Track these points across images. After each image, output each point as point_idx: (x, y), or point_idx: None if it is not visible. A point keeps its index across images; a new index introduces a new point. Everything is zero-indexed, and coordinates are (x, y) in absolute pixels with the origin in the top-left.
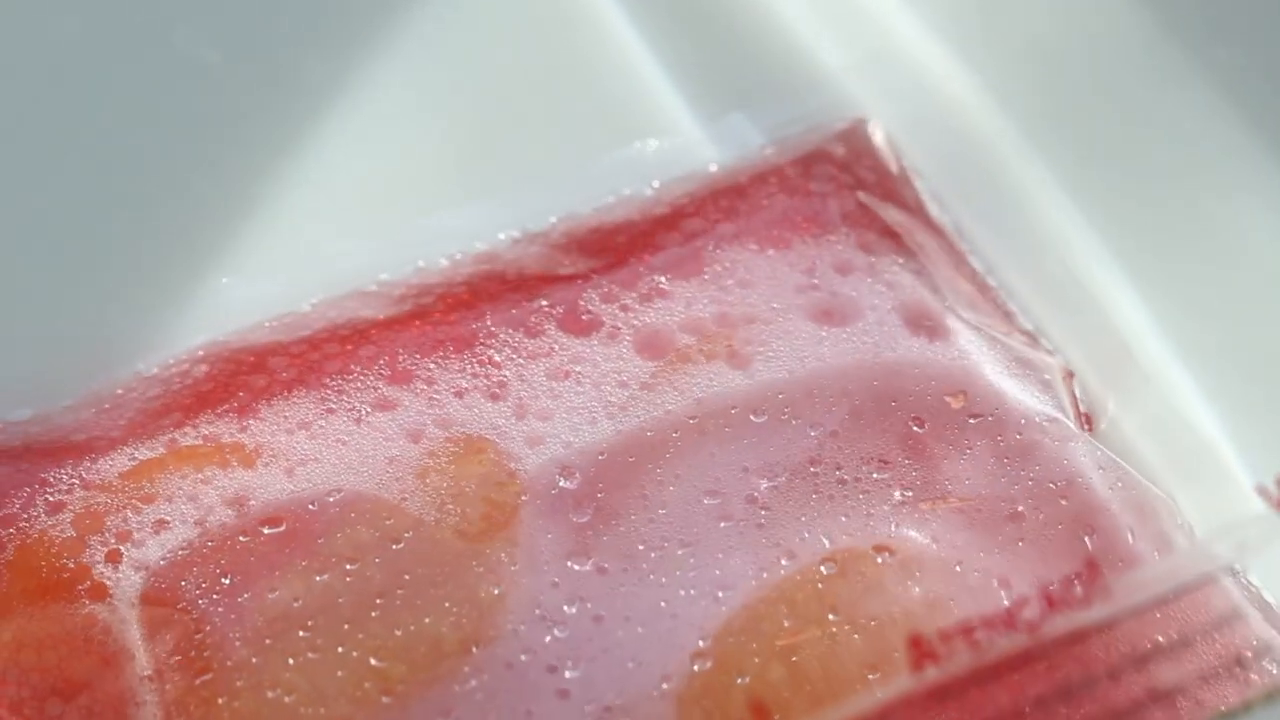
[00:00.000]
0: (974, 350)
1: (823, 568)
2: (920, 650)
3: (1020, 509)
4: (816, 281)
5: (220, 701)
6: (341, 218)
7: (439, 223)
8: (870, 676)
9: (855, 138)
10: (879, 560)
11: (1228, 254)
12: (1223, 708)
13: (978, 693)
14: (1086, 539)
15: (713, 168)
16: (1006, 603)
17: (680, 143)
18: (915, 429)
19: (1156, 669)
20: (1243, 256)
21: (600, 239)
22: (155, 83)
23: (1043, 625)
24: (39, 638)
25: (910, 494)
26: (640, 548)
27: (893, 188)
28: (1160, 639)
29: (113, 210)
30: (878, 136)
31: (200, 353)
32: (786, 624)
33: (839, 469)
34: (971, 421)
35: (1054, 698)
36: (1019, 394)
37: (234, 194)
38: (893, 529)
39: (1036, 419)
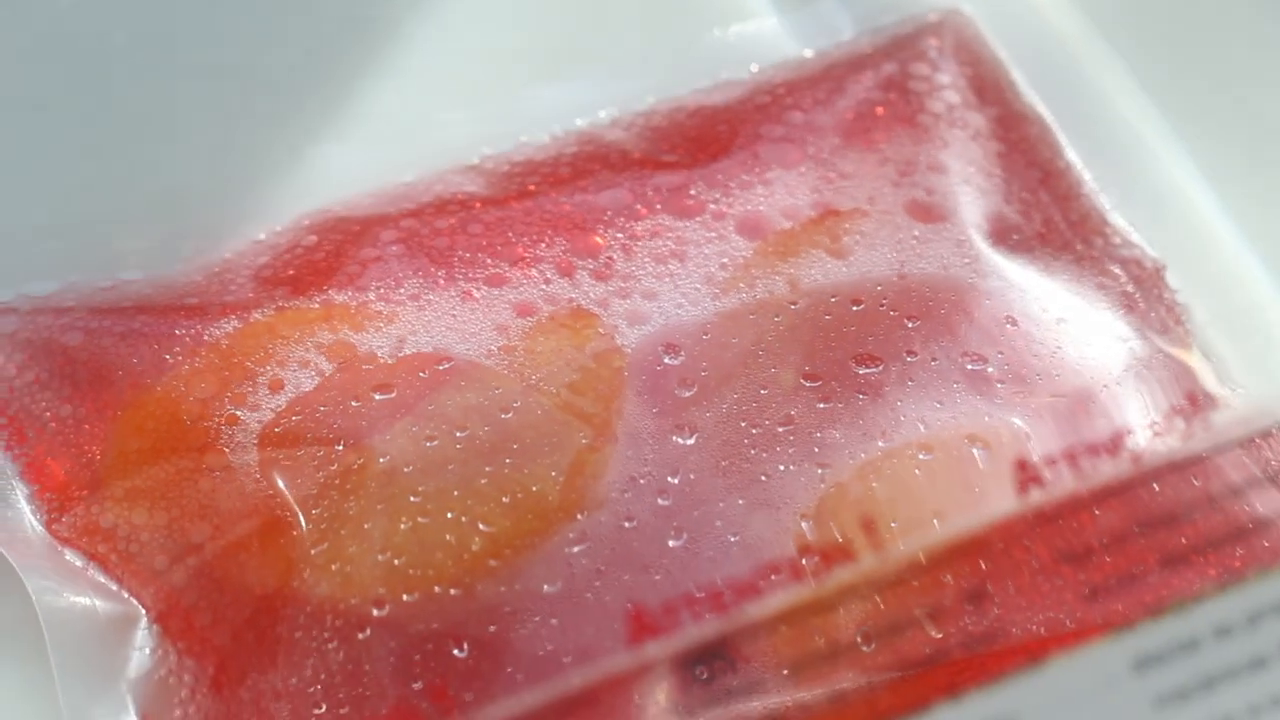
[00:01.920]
0: (1059, 262)
1: (920, 454)
2: (1026, 474)
3: (1104, 404)
4: (915, 179)
5: (334, 567)
6: (443, 90)
7: (538, 98)
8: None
9: (948, 29)
10: (974, 450)
11: None
12: None
13: (1082, 516)
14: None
15: (808, 53)
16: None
17: (773, 27)
18: (1009, 326)
19: (1254, 499)
20: None
21: (700, 124)
22: None
23: (1145, 454)
24: (151, 496)
25: (1003, 386)
26: (742, 424)
27: (989, 79)
28: (1255, 473)
29: (218, 79)
30: (972, 27)
31: (307, 221)
32: (884, 500)
33: (934, 360)
34: (1059, 324)
35: (1157, 522)
36: (1100, 304)
37: (338, 63)
38: (985, 419)
39: (1119, 327)
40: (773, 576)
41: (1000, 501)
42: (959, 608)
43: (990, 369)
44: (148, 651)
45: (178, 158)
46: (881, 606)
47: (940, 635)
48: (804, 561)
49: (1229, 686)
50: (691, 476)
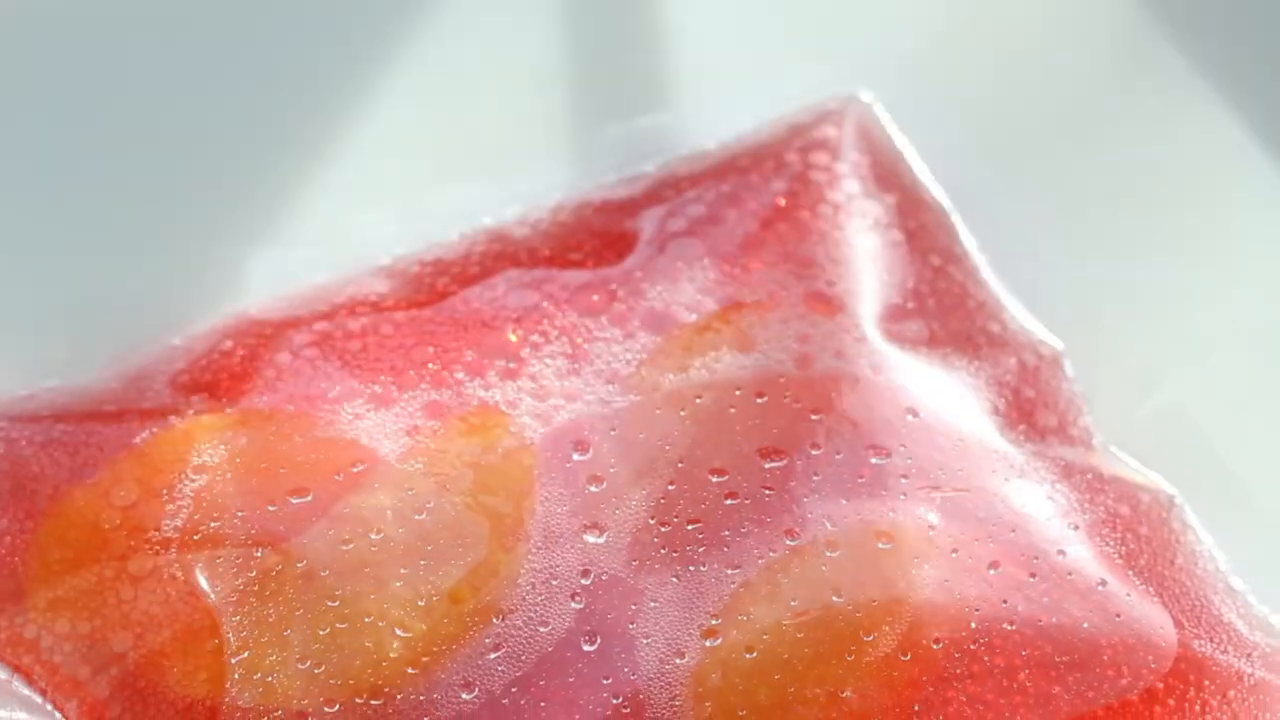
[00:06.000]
0: (958, 352)
1: (827, 551)
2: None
3: (1007, 496)
4: (815, 270)
5: (255, 677)
6: (353, 190)
7: (446, 197)
8: (867, 647)
9: (848, 117)
10: (880, 545)
11: (1222, 248)
12: None
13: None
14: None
15: (710, 145)
16: (997, 584)
17: (675, 120)
18: (910, 418)
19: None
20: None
21: (606, 220)
22: (176, 61)
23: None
24: (75, 606)
25: (906, 481)
26: (651, 521)
27: (888, 166)
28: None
29: (129, 184)
30: (871, 115)
31: (221, 325)
32: (793, 604)
33: (839, 454)
34: (960, 416)
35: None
36: (999, 394)
37: (248, 166)
38: (891, 514)
39: (1019, 417)
40: (685, 686)
41: (905, 607)
42: None
43: (894, 461)
44: None
45: (92, 265)
46: None
47: None
48: (714, 676)
49: None
50: (604, 577)
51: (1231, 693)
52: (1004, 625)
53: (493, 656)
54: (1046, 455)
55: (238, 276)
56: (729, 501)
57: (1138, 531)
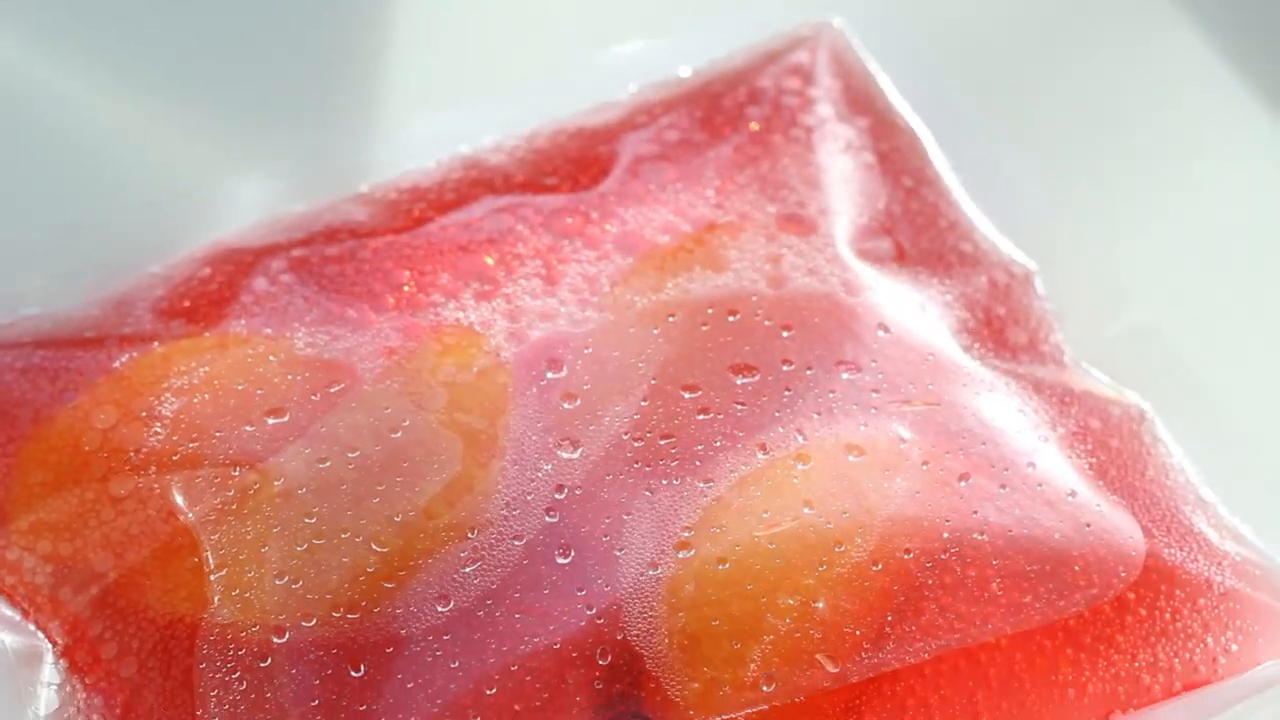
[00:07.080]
0: (929, 270)
1: (798, 464)
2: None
3: (978, 409)
4: (787, 192)
5: (234, 594)
6: (330, 120)
7: (423, 125)
8: (838, 557)
9: (821, 42)
10: (851, 459)
11: (1192, 167)
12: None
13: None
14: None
15: (685, 72)
16: (968, 495)
17: (650, 47)
18: (881, 334)
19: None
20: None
21: (581, 146)
22: None
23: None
24: (56, 528)
25: (877, 395)
26: (625, 437)
27: (860, 90)
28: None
29: (111, 114)
30: (843, 40)
31: (200, 253)
32: (765, 515)
33: (809, 369)
34: (930, 331)
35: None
36: (970, 311)
37: (226, 96)
38: (862, 428)
39: (989, 334)
40: (659, 598)
41: (875, 518)
42: (857, 643)
43: (865, 377)
44: (54, 689)
45: (73, 193)
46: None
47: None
48: (688, 587)
49: None
50: (578, 492)
51: (1201, 601)
52: (975, 536)
53: (468, 570)
54: (1017, 372)
55: (216, 204)
56: (701, 417)
57: (1108, 444)
